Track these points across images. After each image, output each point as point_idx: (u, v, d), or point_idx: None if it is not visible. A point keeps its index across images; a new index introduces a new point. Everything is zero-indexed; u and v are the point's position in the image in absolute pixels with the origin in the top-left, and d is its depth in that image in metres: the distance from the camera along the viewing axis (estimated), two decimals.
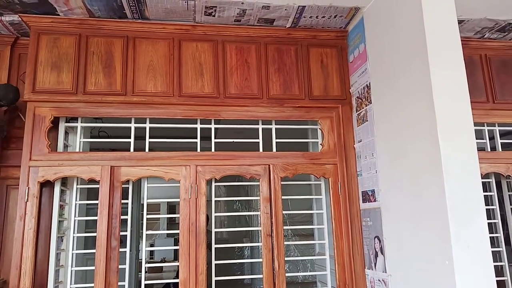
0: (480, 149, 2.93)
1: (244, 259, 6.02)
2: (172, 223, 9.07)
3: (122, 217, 2.61)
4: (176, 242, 2.62)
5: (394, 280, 2.37)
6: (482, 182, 2.01)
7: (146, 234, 2.79)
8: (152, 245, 8.72)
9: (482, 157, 2.63)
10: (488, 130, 3.12)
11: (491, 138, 3.16)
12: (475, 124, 2.07)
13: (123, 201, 2.62)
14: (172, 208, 9.10)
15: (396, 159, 2.36)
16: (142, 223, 2.76)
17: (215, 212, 2.83)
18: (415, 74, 2.16)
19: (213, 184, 2.82)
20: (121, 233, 2.59)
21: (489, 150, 3.09)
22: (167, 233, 9.33)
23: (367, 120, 2.69)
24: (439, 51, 2.06)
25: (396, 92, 2.36)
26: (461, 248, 1.86)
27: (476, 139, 2.06)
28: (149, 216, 2.76)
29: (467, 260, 1.86)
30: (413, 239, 2.18)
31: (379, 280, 2.52)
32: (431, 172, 2.01)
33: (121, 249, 2.58)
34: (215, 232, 2.81)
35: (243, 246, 5.10)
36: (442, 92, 2.03)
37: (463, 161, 1.97)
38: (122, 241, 2.64)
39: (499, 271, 2.99)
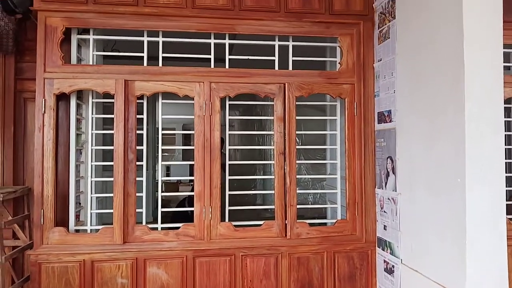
0: (506, 73, 2.80)
1: (256, 187, 6.17)
2: (187, 155, 9.06)
3: (138, 132, 2.64)
4: (192, 168, 2.67)
5: (404, 199, 2.41)
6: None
7: (162, 151, 2.83)
8: (168, 171, 8.84)
9: (507, 81, 2.52)
10: None
11: None
12: (504, 46, 1.95)
13: (138, 116, 2.64)
14: (188, 140, 9.06)
15: (416, 78, 2.28)
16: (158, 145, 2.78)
17: (229, 132, 2.84)
18: None
19: (227, 103, 2.80)
20: (138, 148, 2.65)
21: None
22: (182, 159, 9.48)
23: (389, 38, 2.56)
24: None
25: (422, 7, 2.20)
26: (475, 166, 1.85)
27: (503, 62, 1.95)
28: (164, 132, 2.79)
29: (480, 178, 1.86)
30: (426, 159, 2.17)
31: (388, 199, 2.57)
32: (452, 90, 1.94)
33: (138, 163, 2.65)
34: (229, 156, 2.84)
35: (255, 169, 5.23)
36: (473, 7, 1.88)
37: (487, 80, 1.89)
38: (139, 159, 2.69)
39: (509, 196, 3.02)
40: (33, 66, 2.57)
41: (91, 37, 2.68)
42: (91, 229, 2.68)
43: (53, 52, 2.51)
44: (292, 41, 2.80)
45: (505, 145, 2.53)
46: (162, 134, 2.78)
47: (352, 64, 2.77)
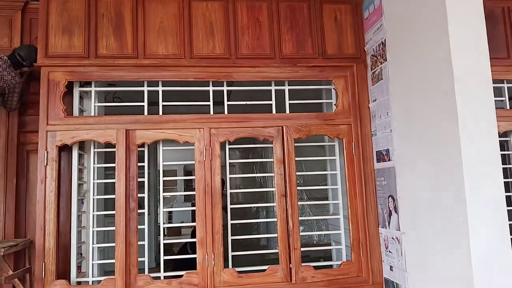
0: (499, 107, 2.86)
1: (260, 227, 6.14)
2: (188, 196, 9.08)
3: (140, 179, 2.66)
4: (194, 212, 2.67)
5: (408, 238, 2.39)
6: (499, 140, 1.98)
7: (164, 197, 2.85)
8: (170, 214, 8.81)
9: (501, 115, 2.57)
10: (508, 87, 3.02)
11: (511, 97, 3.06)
12: (494, 81, 2.00)
13: (139, 164, 2.67)
14: (189, 181, 9.09)
15: (411, 117, 2.32)
16: (159, 190, 2.81)
17: (229, 175, 2.87)
18: (432, 28, 2.08)
19: (227, 146, 2.84)
20: (139, 195, 2.66)
21: (508, 108, 3.00)
22: (184, 201, 9.46)
23: (382, 78, 2.63)
24: (459, 2, 1.97)
25: (412, 48, 2.28)
26: (477, 205, 1.85)
27: (495, 96, 2.00)
28: (165, 179, 2.81)
29: (482, 217, 1.85)
30: (427, 198, 2.17)
31: (392, 238, 2.55)
32: (447, 129, 1.97)
33: (139, 211, 2.65)
34: (230, 198, 2.84)
35: (258, 207, 5.20)
36: (461, 46, 1.96)
37: (480, 118, 1.92)
38: (141, 205, 2.70)
39: None
40: (36, 119, 2.62)
41: (93, 89, 2.76)
42: (92, 281, 2.63)
43: (55, 105, 2.58)
44: (288, 85, 2.88)
45: (504, 178, 2.55)
46: (164, 180, 2.80)
47: (347, 105, 2.83)
